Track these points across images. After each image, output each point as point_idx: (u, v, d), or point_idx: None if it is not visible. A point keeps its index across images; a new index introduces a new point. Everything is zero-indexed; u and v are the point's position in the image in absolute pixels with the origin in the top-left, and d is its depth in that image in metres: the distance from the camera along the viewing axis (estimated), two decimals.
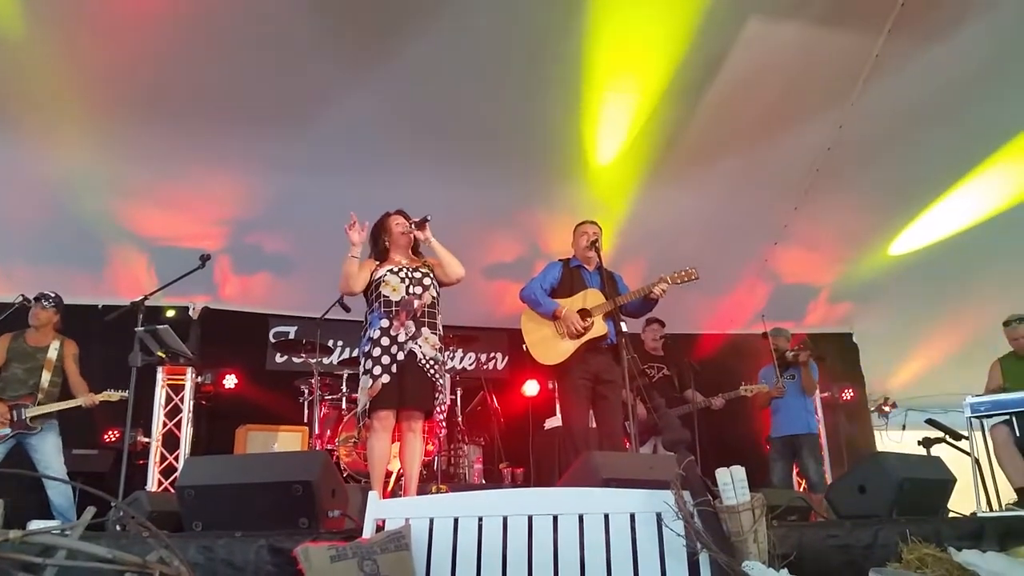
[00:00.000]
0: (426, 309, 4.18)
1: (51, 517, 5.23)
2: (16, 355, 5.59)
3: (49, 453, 5.48)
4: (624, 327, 4.73)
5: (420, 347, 4.09)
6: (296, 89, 5.89)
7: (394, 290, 4.16)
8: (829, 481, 7.62)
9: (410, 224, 4.35)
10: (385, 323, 4.09)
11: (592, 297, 4.87)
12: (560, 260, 5.17)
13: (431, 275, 4.30)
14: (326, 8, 5.34)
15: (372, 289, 4.24)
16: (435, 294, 4.28)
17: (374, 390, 4.00)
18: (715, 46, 5.82)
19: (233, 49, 5.50)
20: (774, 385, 6.68)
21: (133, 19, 5.21)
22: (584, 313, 4.82)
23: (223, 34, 5.38)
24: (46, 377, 5.55)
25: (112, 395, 5.65)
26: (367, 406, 4.05)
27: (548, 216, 7.23)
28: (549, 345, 4.86)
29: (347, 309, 6.25)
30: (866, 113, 6.40)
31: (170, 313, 7.49)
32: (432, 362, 4.12)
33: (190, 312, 7.72)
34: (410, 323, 4.09)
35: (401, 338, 4.06)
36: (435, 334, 4.19)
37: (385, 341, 4.06)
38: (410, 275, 4.22)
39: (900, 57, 5.94)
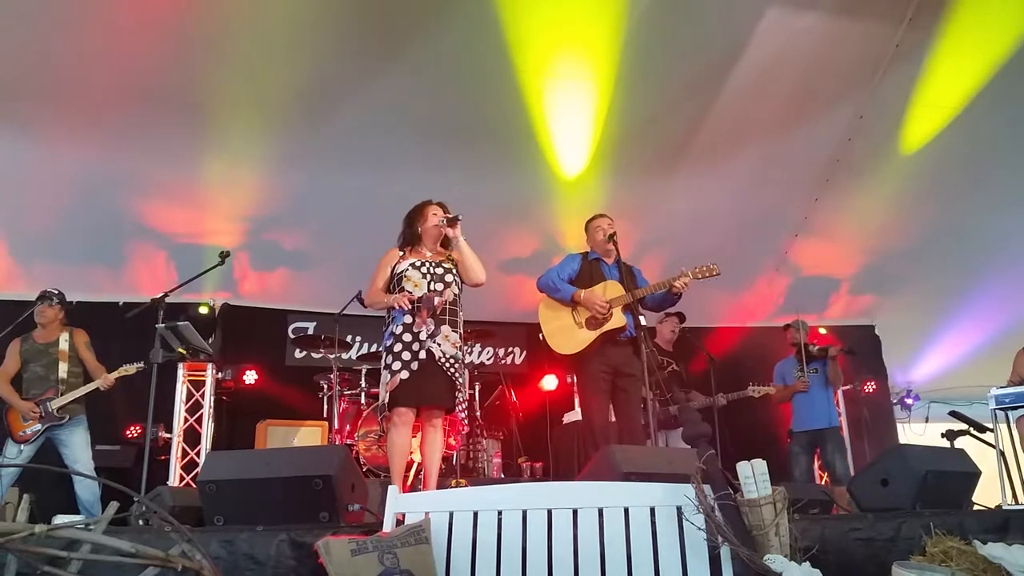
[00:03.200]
0: (447, 306, 4.16)
1: (77, 511, 5.29)
2: (30, 355, 5.67)
3: (78, 448, 5.56)
4: (643, 320, 4.70)
5: (440, 345, 4.07)
6: (314, 86, 5.91)
7: (416, 286, 4.14)
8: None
9: (443, 218, 4.31)
10: (408, 319, 4.08)
11: (612, 288, 4.83)
12: (579, 253, 5.14)
13: (454, 271, 4.27)
14: (344, 6, 5.34)
15: (394, 284, 4.23)
16: (457, 291, 4.26)
17: (392, 384, 4.01)
18: (733, 37, 5.78)
19: (251, 47, 5.52)
20: (796, 379, 6.64)
21: (153, 18, 5.24)
22: None
23: (242, 32, 5.40)
24: (63, 368, 5.62)
25: (128, 369, 5.67)
26: (387, 401, 4.05)
27: (566, 211, 7.21)
28: (567, 334, 4.83)
29: (365, 304, 6.26)
30: (886, 103, 6.33)
31: (203, 310, 7.56)
32: (452, 360, 4.10)
33: (213, 308, 7.78)
34: (430, 321, 4.07)
35: (423, 335, 4.05)
36: (455, 332, 4.17)
37: (407, 337, 4.06)
38: (432, 270, 4.20)
39: (920, 46, 5.87)
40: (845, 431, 8.36)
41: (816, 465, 7.01)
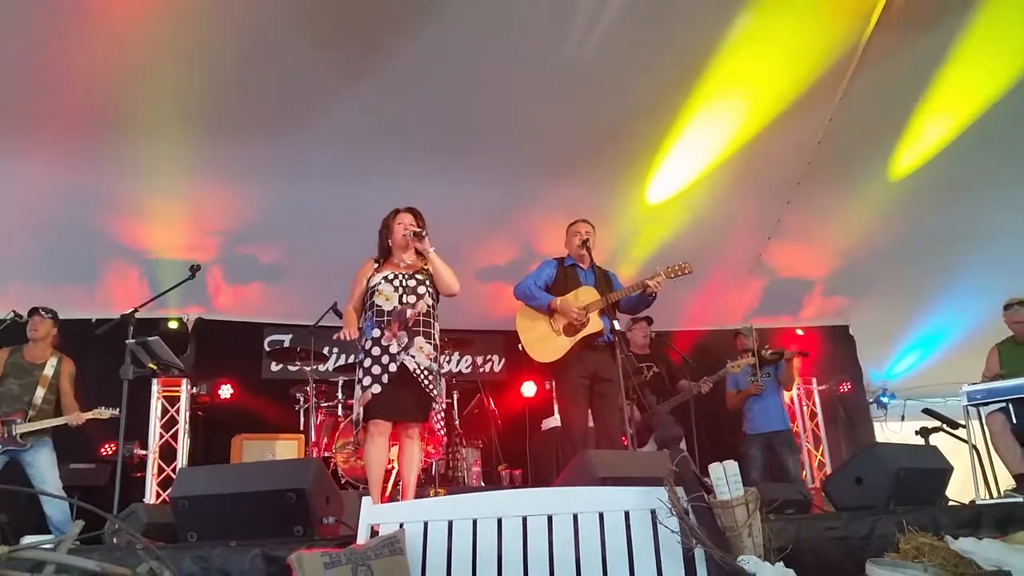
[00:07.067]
0: (420, 318, 4.11)
1: (48, 532, 5.20)
2: (13, 370, 5.55)
3: (44, 468, 5.44)
4: (618, 325, 4.72)
5: (414, 357, 4.03)
6: (286, 98, 5.88)
7: (387, 299, 4.11)
8: (806, 474, 7.72)
9: (410, 231, 4.23)
10: (376, 333, 4.05)
11: (584, 294, 4.86)
12: (555, 259, 5.16)
13: (427, 282, 4.23)
14: (317, 16, 5.31)
15: (367, 297, 4.20)
16: (431, 302, 4.21)
17: (364, 400, 3.99)
18: (704, 42, 5.82)
19: (222, 60, 5.48)
20: (750, 383, 6.71)
21: (123, 31, 5.19)
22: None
23: (212, 45, 5.36)
24: (40, 393, 5.50)
25: (102, 413, 5.58)
26: (360, 416, 4.03)
27: (542, 217, 7.22)
28: (545, 343, 4.85)
29: (341, 316, 6.23)
30: (855, 105, 6.40)
31: (173, 324, 7.48)
32: (426, 372, 4.06)
33: (185, 323, 7.71)
34: (402, 334, 4.03)
35: (393, 349, 4.01)
36: (430, 343, 4.12)
37: (376, 351, 4.03)
38: (404, 283, 4.16)
39: (887, 49, 5.95)
40: (822, 431, 8.44)
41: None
